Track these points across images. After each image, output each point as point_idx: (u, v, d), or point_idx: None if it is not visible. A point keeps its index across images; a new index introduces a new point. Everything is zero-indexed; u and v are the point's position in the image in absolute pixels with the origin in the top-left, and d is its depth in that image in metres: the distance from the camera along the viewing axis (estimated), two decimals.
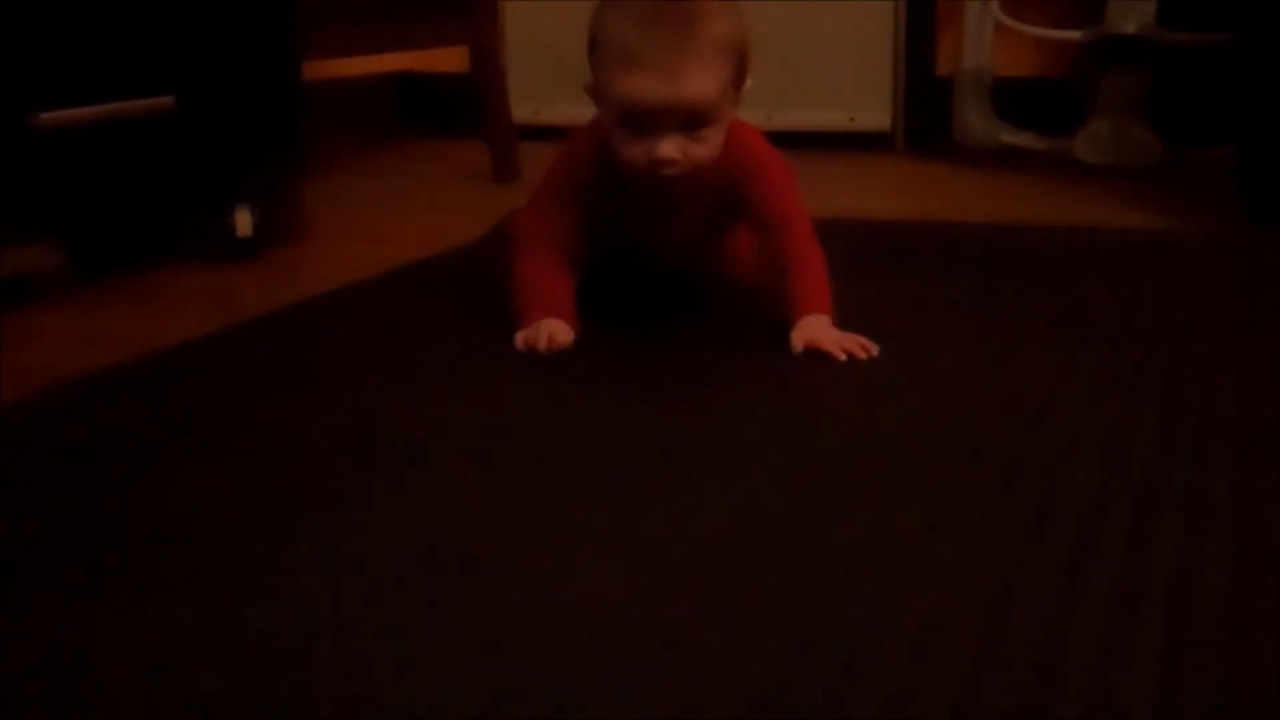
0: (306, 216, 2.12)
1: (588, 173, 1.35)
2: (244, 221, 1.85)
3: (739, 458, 1.05)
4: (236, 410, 1.19)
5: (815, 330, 1.30)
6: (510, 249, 1.42)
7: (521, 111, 2.68)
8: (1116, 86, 2.65)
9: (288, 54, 1.88)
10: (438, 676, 0.72)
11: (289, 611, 0.80)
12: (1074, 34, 2.70)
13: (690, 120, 1.25)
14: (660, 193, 1.34)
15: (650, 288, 1.49)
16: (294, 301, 1.57)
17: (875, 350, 1.28)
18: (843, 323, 1.32)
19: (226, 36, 1.79)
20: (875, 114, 2.81)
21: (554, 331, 1.30)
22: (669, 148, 1.25)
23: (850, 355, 1.27)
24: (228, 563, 0.87)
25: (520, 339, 1.31)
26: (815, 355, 1.29)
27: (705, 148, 1.27)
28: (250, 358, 1.36)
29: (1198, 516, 0.91)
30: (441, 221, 2.07)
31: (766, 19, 2.82)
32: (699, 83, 1.23)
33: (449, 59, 3.05)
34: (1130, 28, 2.61)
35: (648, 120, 1.25)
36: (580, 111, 1.40)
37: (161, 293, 1.71)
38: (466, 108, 2.67)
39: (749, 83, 1.32)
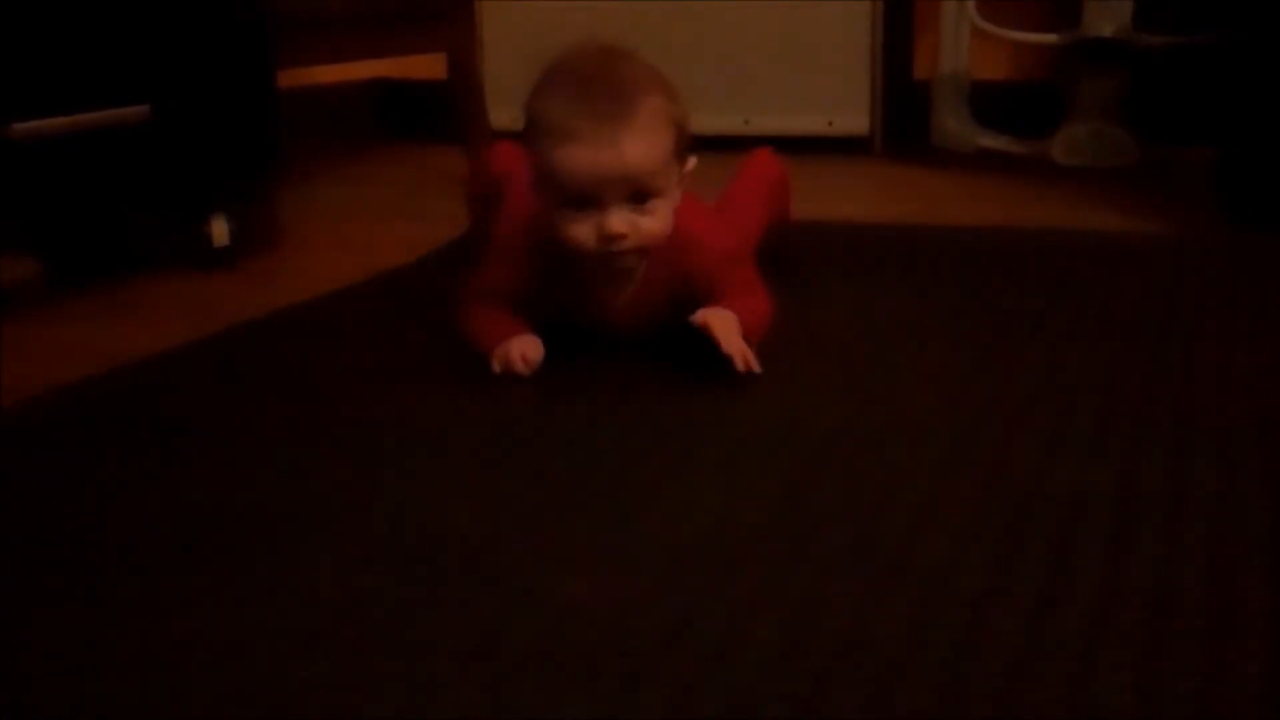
0: (283, 225, 2.12)
1: (533, 244, 1.31)
2: (220, 231, 1.85)
3: (722, 463, 1.05)
4: (215, 419, 1.18)
5: (723, 319, 1.25)
6: (457, 308, 1.37)
7: (499, 118, 2.67)
8: (1093, 89, 2.65)
9: (263, 62, 1.87)
10: (426, 681, 0.72)
11: (276, 616, 0.79)
12: (1051, 37, 2.71)
13: (635, 193, 1.22)
14: (603, 278, 1.30)
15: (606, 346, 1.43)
16: (272, 310, 1.56)
17: (756, 369, 1.24)
18: (820, 325, 1.32)
19: (201, 45, 1.78)
20: (854, 118, 2.81)
21: (525, 348, 1.28)
22: (617, 221, 1.21)
23: (730, 360, 1.22)
24: (211, 568, 0.86)
25: (495, 364, 1.28)
26: (798, 363, 1.29)
27: (654, 221, 1.23)
28: (228, 367, 1.35)
29: (1176, 516, 0.91)
30: (419, 228, 2.06)
31: (745, 23, 2.82)
32: (638, 150, 1.19)
33: (427, 65, 3.04)
34: (1107, 30, 2.62)
35: (591, 197, 1.21)
36: None
37: (138, 303, 1.70)
38: (444, 114, 2.67)
39: (692, 161, 1.29)
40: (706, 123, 3.00)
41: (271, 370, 1.34)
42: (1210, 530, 0.89)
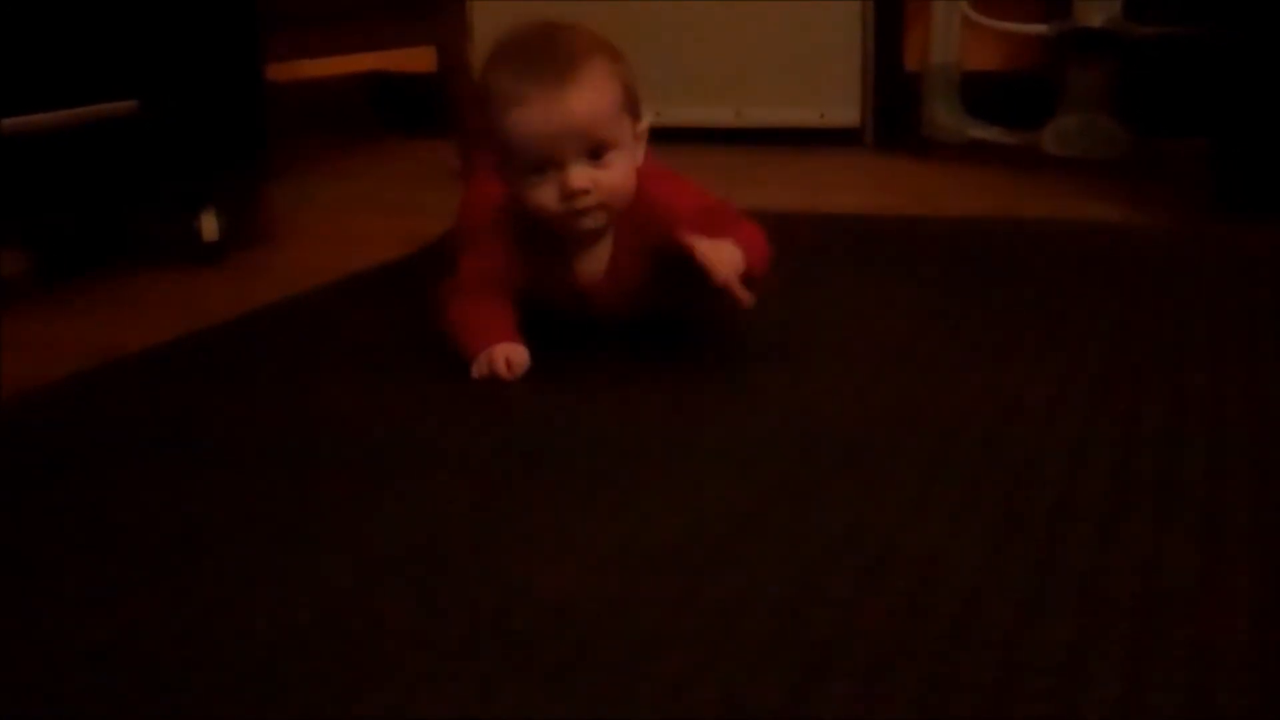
0: (274, 219, 2.11)
1: (505, 226, 1.32)
2: (210, 225, 1.84)
3: (713, 455, 1.05)
4: (206, 413, 1.18)
5: (715, 245, 1.22)
6: (442, 298, 1.35)
7: None
8: (1084, 80, 2.65)
9: (252, 56, 1.87)
10: (416, 676, 0.72)
11: (266, 611, 0.79)
12: (1041, 28, 2.71)
13: (591, 150, 1.23)
14: (576, 247, 1.30)
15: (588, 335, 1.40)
16: (262, 305, 1.56)
17: (747, 303, 1.22)
18: (810, 316, 1.31)
19: (190, 39, 1.77)
20: (844, 110, 2.81)
21: (510, 355, 1.26)
22: (577, 176, 1.23)
23: (726, 286, 1.21)
24: (202, 563, 0.86)
25: (475, 371, 1.26)
26: (788, 354, 1.29)
27: (613, 175, 1.25)
28: (219, 361, 1.35)
29: (1167, 507, 0.91)
30: (411, 222, 2.05)
31: (736, 15, 2.81)
32: (585, 101, 1.22)
33: (417, 59, 3.04)
34: (1097, 20, 2.62)
35: (549, 158, 1.23)
36: None
37: (129, 298, 1.70)
38: (435, 107, 2.66)
39: (647, 120, 1.30)
40: (698, 115, 2.98)
41: (262, 365, 1.34)
42: (1201, 522, 0.89)
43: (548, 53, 1.24)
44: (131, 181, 1.78)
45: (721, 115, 2.81)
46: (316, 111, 3.14)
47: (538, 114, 1.21)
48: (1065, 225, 1.91)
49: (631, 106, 1.28)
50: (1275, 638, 0.73)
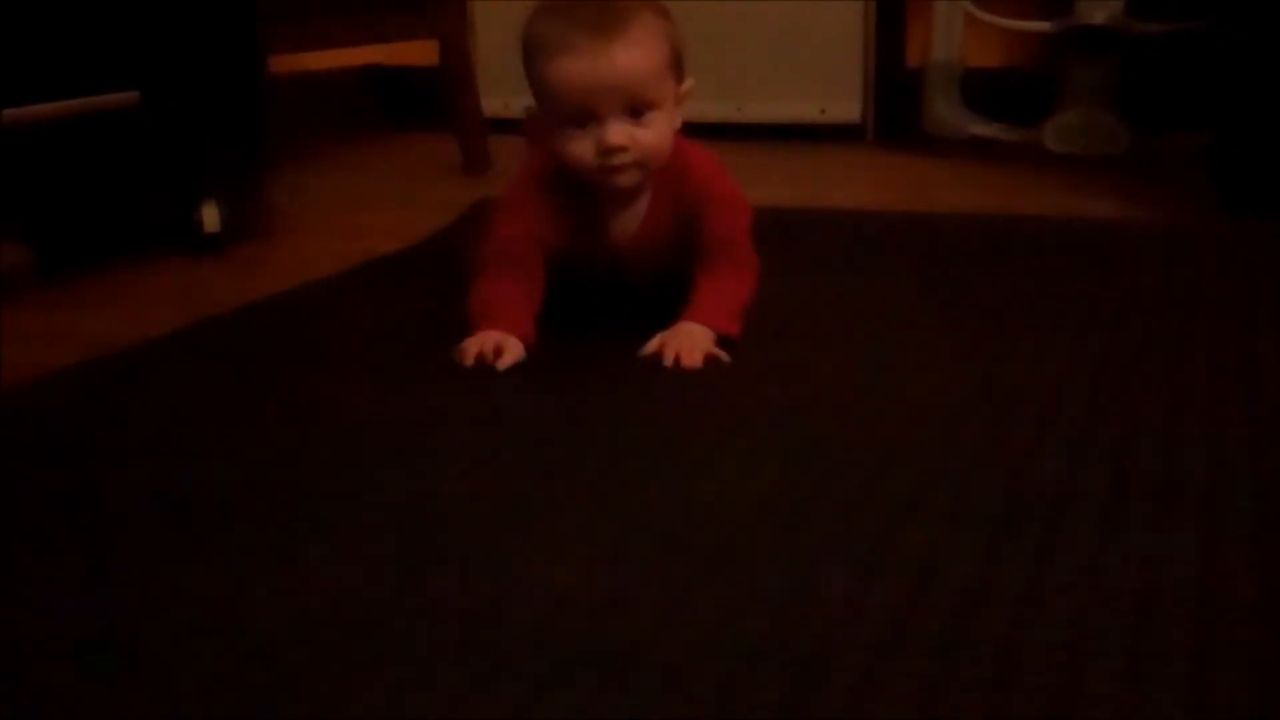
0: (275, 211, 2.11)
1: (545, 180, 1.33)
2: (211, 217, 1.84)
3: (711, 451, 1.05)
4: (205, 406, 1.18)
5: (678, 334, 1.27)
6: (474, 264, 1.36)
7: (491, 104, 2.66)
8: (1085, 77, 2.65)
9: (252, 48, 1.87)
10: (415, 670, 0.72)
11: (264, 605, 0.79)
12: (1043, 25, 2.71)
13: (632, 105, 1.24)
14: (611, 205, 1.31)
15: (616, 300, 1.43)
16: (262, 297, 1.55)
17: (724, 359, 1.26)
18: (808, 312, 1.31)
19: (191, 31, 1.77)
20: (846, 105, 2.81)
21: (501, 343, 1.26)
22: (616, 132, 1.23)
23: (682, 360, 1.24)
24: (200, 556, 0.86)
25: (464, 349, 1.26)
26: (788, 351, 1.29)
27: (652, 134, 1.25)
28: (219, 353, 1.35)
29: (1166, 506, 0.91)
30: (411, 215, 2.05)
31: (738, 10, 2.81)
32: (631, 57, 1.22)
33: (419, 52, 3.03)
34: (1099, 18, 2.61)
35: (589, 111, 1.24)
36: None
37: (128, 289, 1.70)
38: (437, 100, 2.66)
39: (689, 82, 1.31)
40: (699, 110, 3.01)
41: (261, 357, 1.34)
42: (1200, 520, 0.89)
43: (597, 5, 1.24)
44: (132, 173, 1.78)
45: (723, 111, 2.81)
46: (317, 104, 3.13)
47: (583, 65, 1.22)
48: (1065, 222, 1.91)
49: (677, 67, 1.28)
50: (1275, 638, 0.73)
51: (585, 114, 1.24)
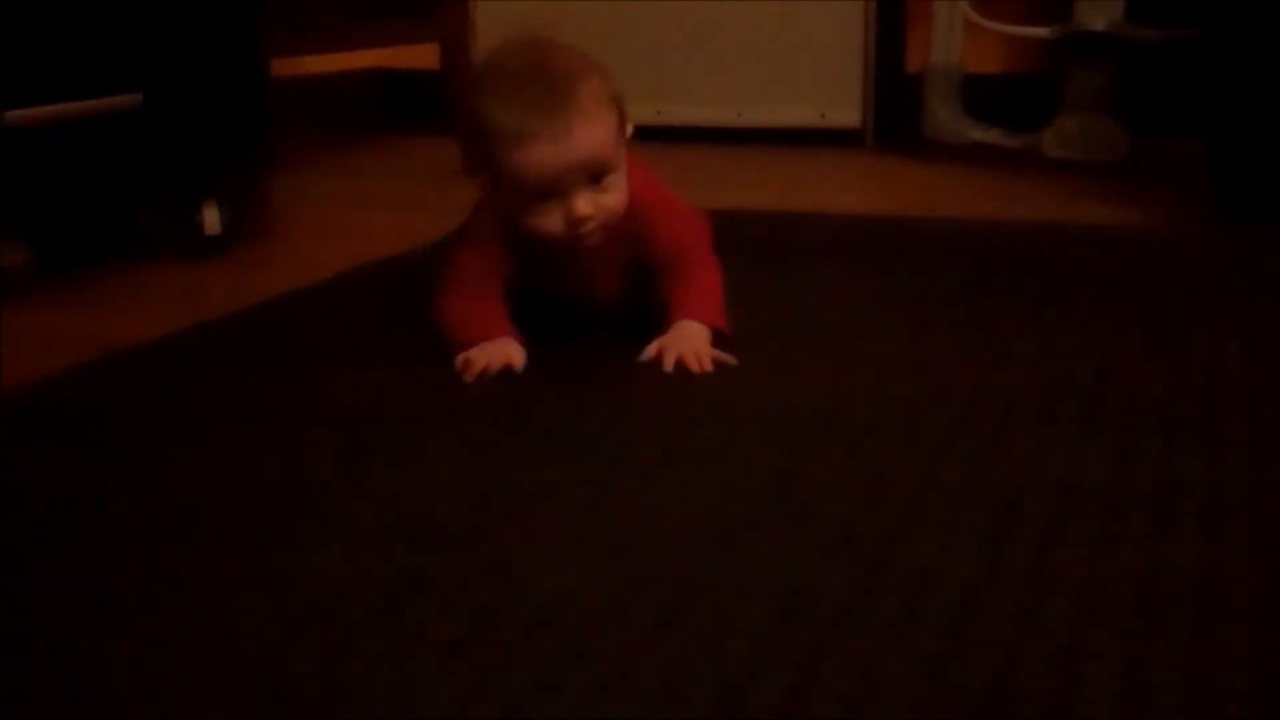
0: (276, 214, 2.11)
1: (503, 232, 1.33)
2: (212, 219, 1.84)
3: (711, 452, 1.05)
4: (206, 407, 1.18)
5: (677, 338, 1.28)
6: (438, 287, 1.36)
7: None
8: (1085, 82, 2.66)
9: (255, 51, 1.87)
10: (415, 669, 0.72)
11: (265, 603, 0.79)
12: (1043, 30, 2.71)
13: (593, 175, 1.25)
14: (572, 257, 1.32)
15: (585, 319, 1.42)
16: (263, 299, 1.56)
17: (731, 361, 1.27)
18: (807, 315, 1.31)
19: (194, 34, 1.77)
20: (846, 110, 2.81)
21: (507, 352, 1.27)
22: (583, 204, 1.24)
23: (700, 365, 1.25)
24: (202, 556, 0.86)
25: (464, 360, 1.26)
26: (788, 354, 1.29)
27: (613, 196, 1.27)
28: (220, 355, 1.35)
29: (1166, 507, 0.92)
30: (412, 218, 2.06)
31: (738, 16, 2.82)
32: (591, 134, 1.23)
33: (421, 55, 3.04)
34: (1099, 24, 2.62)
35: (554, 187, 1.24)
36: None
37: (130, 291, 1.70)
38: (438, 104, 2.66)
39: (630, 127, 1.32)
40: (699, 114, 2.98)
41: (262, 359, 1.34)
42: (1200, 520, 0.89)
43: (543, 82, 1.24)
44: (134, 174, 1.78)
45: (723, 115, 2.81)
46: (319, 107, 3.14)
47: (546, 151, 1.22)
48: (1065, 227, 1.91)
49: (623, 122, 1.30)
50: (1275, 638, 0.74)
51: (550, 191, 1.25)
